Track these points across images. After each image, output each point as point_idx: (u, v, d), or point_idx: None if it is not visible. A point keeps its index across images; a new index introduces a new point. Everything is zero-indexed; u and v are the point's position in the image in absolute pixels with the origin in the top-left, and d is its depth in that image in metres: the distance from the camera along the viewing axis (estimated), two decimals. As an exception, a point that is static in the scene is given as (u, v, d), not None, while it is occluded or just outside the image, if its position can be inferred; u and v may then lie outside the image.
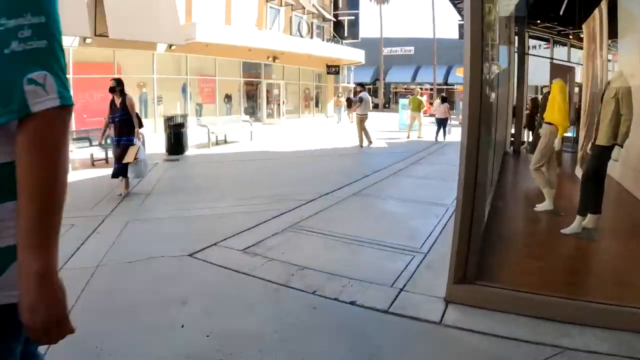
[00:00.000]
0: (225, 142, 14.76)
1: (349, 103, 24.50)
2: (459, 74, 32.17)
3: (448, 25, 72.78)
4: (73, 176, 8.25)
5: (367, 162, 10.84)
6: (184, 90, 17.89)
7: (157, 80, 16.10)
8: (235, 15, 19.62)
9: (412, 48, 41.89)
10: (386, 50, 42.05)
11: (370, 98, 14.60)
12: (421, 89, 39.24)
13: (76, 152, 9.89)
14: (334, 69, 28.18)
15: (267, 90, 23.05)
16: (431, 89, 38.28)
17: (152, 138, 13.44)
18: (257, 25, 21.33)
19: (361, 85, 15.09)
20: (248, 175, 9.14)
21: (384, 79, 42.86)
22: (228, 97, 20.74)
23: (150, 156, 11.69)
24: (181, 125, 11.90)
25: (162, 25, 15.00)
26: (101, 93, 14.53)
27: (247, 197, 6.90)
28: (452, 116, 16.70)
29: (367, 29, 72.92)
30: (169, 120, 11.83)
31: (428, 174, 9.09)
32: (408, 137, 16.32)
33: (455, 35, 36.58)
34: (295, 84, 25.70)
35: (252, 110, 22.68)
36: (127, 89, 7.20)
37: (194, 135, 15.30)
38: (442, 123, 15.52)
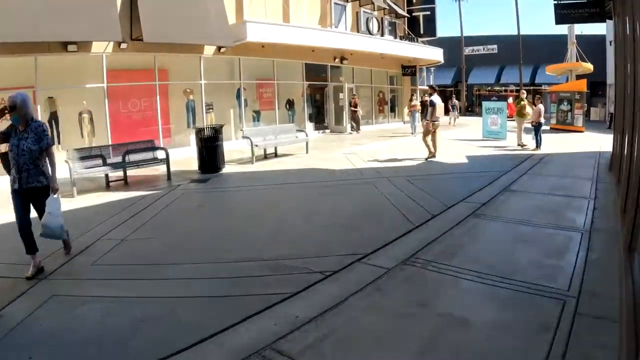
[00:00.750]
0: (276, 155, 12.82)
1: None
2: (550, 73, 27.90)
3: (533, 20, 65.85)
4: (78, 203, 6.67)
5: (438, 188, 8.05)
6: (238, 96, 16.26)
7: (206, 86, 14.54)
8: (295, 13, 17.72)
9: (495, 46, 37.82)
10: (467, 50, 38.30)
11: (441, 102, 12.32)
12: (506, 90, 35.19)
13: (83, 172, 8.42)
14: (410, 70, 25.46)
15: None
16: (517, 90, 34.00)
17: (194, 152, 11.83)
18: (321, 24, 19.30)
19: (433, 87, 12.63)
20: (268, 211, 6.95)
21: (466, 81, 39.09)
22: (290, 103, 18.89)
23: (179, 174, 10.11)
24: (215, 139, 10.09)
25: (206, 25, 13.44)
26: (144, 102, 13.31)
27: (240, 258, 4.71)
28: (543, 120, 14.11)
29: (445, 29, 68.65)
30: (200, 133, 10.08)
31: (525, 212, 6.22)
32: (523, 146, 14.05)
33: (542, 30, 32.04)
34: (367, 87, 23.29)
35: (319, 117, 20.72)
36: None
37: (243, 147, 13.55)
38: (537, 128, 13.56)
